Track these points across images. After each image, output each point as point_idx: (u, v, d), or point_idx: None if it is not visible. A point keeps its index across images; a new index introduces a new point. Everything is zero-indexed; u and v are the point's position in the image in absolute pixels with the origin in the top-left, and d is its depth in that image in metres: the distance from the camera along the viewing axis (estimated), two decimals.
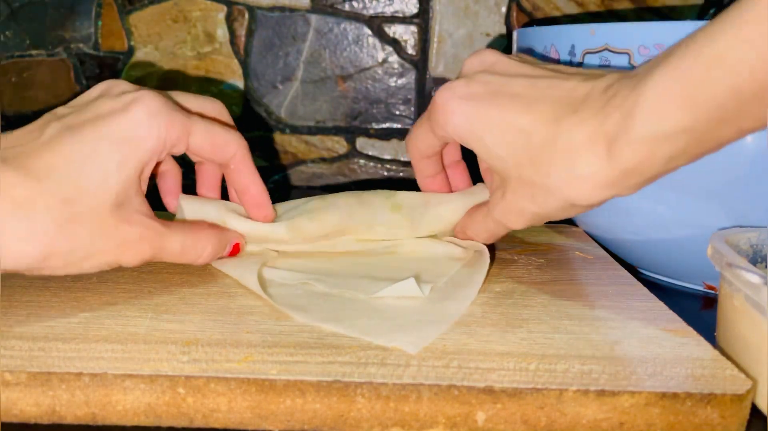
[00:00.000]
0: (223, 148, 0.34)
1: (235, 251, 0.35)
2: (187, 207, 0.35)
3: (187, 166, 0.38)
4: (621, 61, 0.35)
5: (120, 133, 0.29)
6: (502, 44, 0.63)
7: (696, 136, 0.25)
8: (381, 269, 0.35)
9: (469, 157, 0.37)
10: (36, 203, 0.27)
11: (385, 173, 0.66)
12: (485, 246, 0.37)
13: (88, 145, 0.28)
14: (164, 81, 0.63)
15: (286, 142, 0.65)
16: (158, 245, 0.31)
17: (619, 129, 0.26)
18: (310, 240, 0.37)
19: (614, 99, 0.26)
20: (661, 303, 0.32)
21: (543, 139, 0.28)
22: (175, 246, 0.31)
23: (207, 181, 0.38)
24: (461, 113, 0.31)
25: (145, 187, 0.32)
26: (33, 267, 0.27)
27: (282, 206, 0.38)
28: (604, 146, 0.26)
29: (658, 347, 0.27)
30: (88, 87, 0.63)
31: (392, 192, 0.38)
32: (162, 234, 0.31)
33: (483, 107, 0.30)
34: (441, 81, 0.64)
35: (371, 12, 0.62)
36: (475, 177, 0.39)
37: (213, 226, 0.34)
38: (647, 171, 0.26)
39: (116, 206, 0.29)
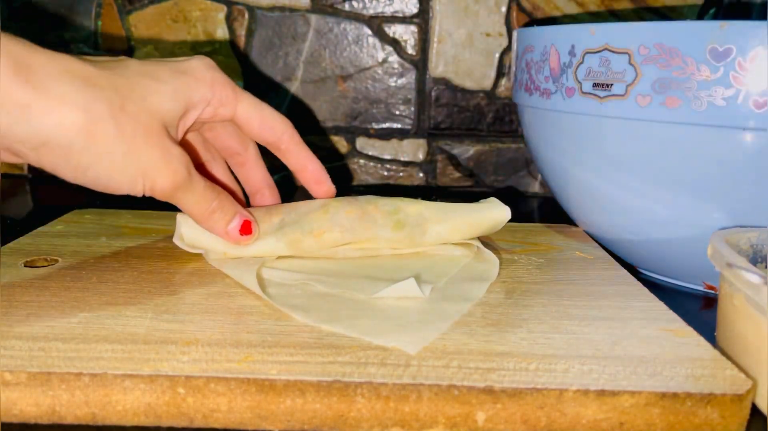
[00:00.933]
0: (273, 125, 0.35)
1: (247, 229, 0.34)
2: (184, 222, 0.35)
3: None
4: (621, 60, 0.35)
5: (180, 67, 0.32)
6: (502, 44, 0.63)
7: None
8: (381, 269, 0.35)
9: None
10: (98, 84, 0.28)
11: (385, 173, 0.66)
12: (491, 253, 0.37)
13: (152, 67, 0.31)
14: None
15: None
16: (192, 173, 0.31)
17: None
18: (311, 254, 0.37)
19: None
20: (661, 303, 0.32)
21: None
22: (201, 183, 0.32)
23: (255, 176, 0.38)
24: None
25: (181, 135, 0.33)
26: (73, 142, 0.27)
27: (282, 208, 0.37)
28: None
29: (658, 347, 0.27)
30: None
31: (395, 205, 0.37)
32: (195, 171, 0.31)
33: None
34: (441, 81, 0.64)
35: (371, 12, 0.62)
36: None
37: None
38: None
39: (164, 124, 0.30)
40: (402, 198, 0.38)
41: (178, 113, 0.31)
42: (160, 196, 0.31)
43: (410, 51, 0.63)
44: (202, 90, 0.32)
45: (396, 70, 0.63)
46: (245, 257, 0.35)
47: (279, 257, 0.36)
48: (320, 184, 0.37)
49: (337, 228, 0.36)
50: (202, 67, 0.33)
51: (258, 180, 0.39)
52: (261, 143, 0.37)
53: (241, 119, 0.34)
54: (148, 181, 0.30)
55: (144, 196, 0.31)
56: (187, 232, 0.35)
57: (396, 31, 0.63)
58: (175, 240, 0.36)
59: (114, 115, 0.28)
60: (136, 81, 0.30)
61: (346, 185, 0.66)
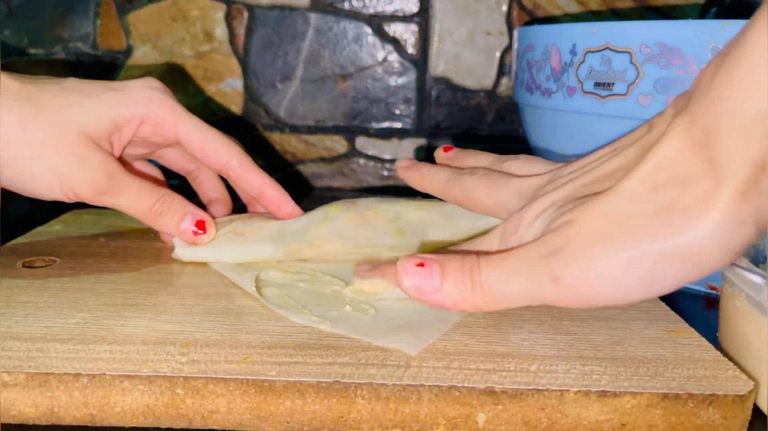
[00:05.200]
0: (216, 150, 0.34)
1: (201, 226, 0.34)
2: (177, 243, 0.35)
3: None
4: (622, 60, 0.35)
5: (115, 86, 0.33)
6: (503, 43, 0.63)
7: None
8: None
9: None
10: (14, 97, 0.30)
11: (385, 173, 0.66)
12: None
13: (86, 85, 0.32)
14: (163, 80, 0.63)
15: (285, 141, 0.65)
16: (117, 179, 0.32)
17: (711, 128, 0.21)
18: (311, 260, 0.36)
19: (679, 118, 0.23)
20: (663, 304, 0.32)
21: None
22: (133, 186, 0.33)
23: (208, 189, 0.39)
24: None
25: (119, 151, 0.33)
26: None
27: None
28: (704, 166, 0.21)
29: (659, 348, 0.27)
30: None
31: (395, 211, 0.37)
32: (123, 173, 0.32)
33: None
34: (441, 80, 0.63)
35: (371, 11, 0.62)
36: None
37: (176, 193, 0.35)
38: None
39: (86, 135, 0.31)
40: (403, 200, 0.38)
41: (104, 127, 0.32)
42: (89, 201, 0.32)
43: (410, 50, 0.63)
44: (135, 107, 0.33)
45: (396, 69, 0.63)
46: (244, 263, 0.35)
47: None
48: (282, 208, 0.36)
49: (338, 239, 0.35)
50: (140, 86, 0.33)
51: (210, 192, 0.40)
52: (210, 168, 0.37)
53: (184, 142, 0.34)
54: (66, 186, 0.31)
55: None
56: (181, 253, 0.35)
57: (396, 30, 0.62)
58: (174, 257, 0.35)
59: (23, 125, 0.30)
60: (59, 95, 0.31)
61: (345, 185, 0.66)
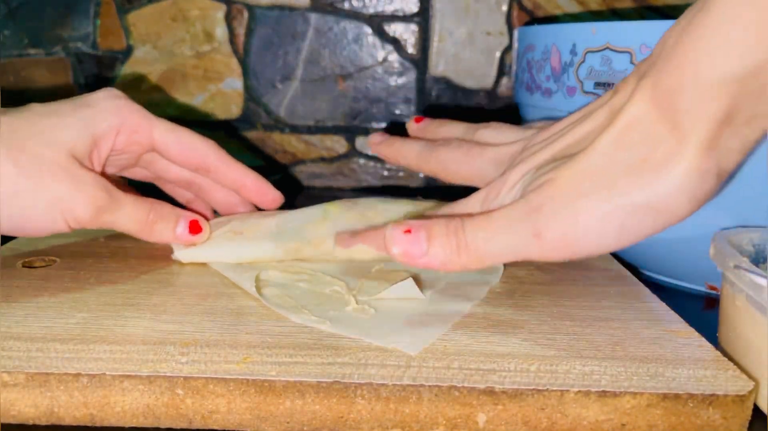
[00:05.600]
0: (194, 146, 0.34)
1: (196, 228, 0.34)
2: (176, 247, 0.35)
3: None
4: (623, 59, 0.35)
5: (83, 101, 0.32)
6: (503, 43, 0.63)
7: None
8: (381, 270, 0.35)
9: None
10: None
11: (385, 173, 0.66)
12: None
13: (55, 106, 0.31)
14: (163, 80, 0.63)
15: (285, 141, 0.65)
16: (113, 193, 0.31)
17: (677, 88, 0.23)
18: (310, 259, 0.36)
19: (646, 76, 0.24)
20: (663, 304, 0.32)
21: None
22: (128, 199, 0.32)
23: (183, 193, 0.38)
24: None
25: (99, 167, 0.33)
26: None
27: (278, 212, 0.37)
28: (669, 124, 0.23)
29: (659, 348, 0.27)
30: (87, 86, 0.63)
31: (396, 211, 0.37)
32: (115, 188, 0.31)
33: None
34: (441, 80, 0.63)
35: (371, 11, 0.62)
36: None
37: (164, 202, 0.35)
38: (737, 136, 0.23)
39: (73, 156, 0.30)
40: (403, 200, 0.38)
41: (86, 144, 0.31)
42: (88, 224, 0.31)
43: (410, 50, 0.63)
44: (109, 118, 0.32)
45: (396, 69, 0.63)
46: (244, 263, 0.35)
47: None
48: (265, 194, 0.37)
49: None
50: (106, 97, 0.33)
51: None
52: (188, 169, 0.36)
53: (160, 145, 0.34)
54: (68, 212, 0.30)
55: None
56: (181, 254, 0.35)
57: (396, 29, 0.62)
58: (174, 258, 0.35)
59: (13, 156, 0.28)
60: (36, 120, 0.30)
61: (345, 185, 0.65)
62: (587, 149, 0.25)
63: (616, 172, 0.24)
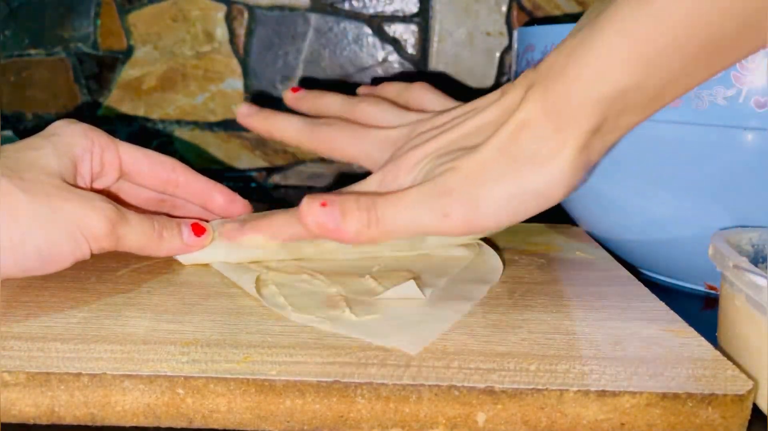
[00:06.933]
0: (162, 160, 0.35)
1: (199, 230, 0.34)
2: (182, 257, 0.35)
3: None
4: None
5: (48, 132, 0.32)
6: (503, 43, 0.63)
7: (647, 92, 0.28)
8: (381, 270, 0.35)
9: None
10: None
11: None
12: (497, 255, 0.37)
13: (23, 143, 0.31)
14: (163, 80, 0.63)
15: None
16: (120, 209, 0.30)
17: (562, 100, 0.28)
18: (310, 258, 0.36)
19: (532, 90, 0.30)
20: (662, 304, 0.32)
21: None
22: (133, 215, 0.31)
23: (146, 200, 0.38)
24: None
25: (85, 184, 0.33)
26: None
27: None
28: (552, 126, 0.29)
29: (659, 347, 0.27)
30: (87, 86, 0.63)
31: None
32: (119, 205, 0.31)
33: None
34: (441, 80, 0.63)
35: (371, 11, 0.62)
36: None
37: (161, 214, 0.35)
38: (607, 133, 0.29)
39: (63, 178, 0.30)
40: None
41: (69, 168, 0.31)
42: (104, 241, 0.30)
43: (410, 50, 0.63)
44: (79, 141, 0.32)
45: (396, 70, 0.63)
46: (245, 262, 0.35)
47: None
48: (234, 202, 0.37)
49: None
50: (68, 124, 0.33)
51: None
52: (157, 184, 0.35)
53: (128, 162, 0.34)
54: (86, 230, 0.29)
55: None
56: (183, 257, 0.35)
57: (396, 30, 0.62)
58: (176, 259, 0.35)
59: (17, 185, 0.28)
60: (17, 156, 0.30)
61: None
62: (486, 143, 0.30)
63: (509, 164, 0.29)
